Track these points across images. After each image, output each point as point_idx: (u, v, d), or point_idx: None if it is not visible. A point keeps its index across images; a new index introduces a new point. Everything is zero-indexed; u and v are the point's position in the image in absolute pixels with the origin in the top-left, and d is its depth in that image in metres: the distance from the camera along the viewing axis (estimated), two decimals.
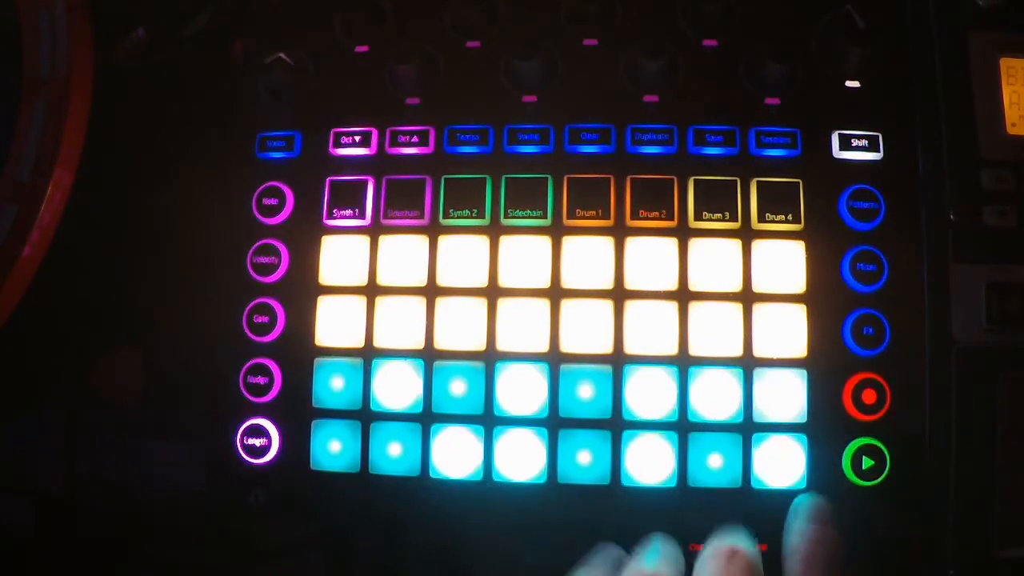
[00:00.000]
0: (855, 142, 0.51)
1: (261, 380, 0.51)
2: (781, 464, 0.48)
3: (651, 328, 0.50)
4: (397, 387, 0.51)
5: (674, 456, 0.49)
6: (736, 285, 0.50)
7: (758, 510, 0.48)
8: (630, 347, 0.50)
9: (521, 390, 0.50)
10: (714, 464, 0.48)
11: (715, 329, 0.49)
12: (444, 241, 0.52)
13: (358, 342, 0.51)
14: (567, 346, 0.50)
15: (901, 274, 0.49)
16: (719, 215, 0.50)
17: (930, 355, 0.48)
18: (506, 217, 0.51)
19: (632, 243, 0.51)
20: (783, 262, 0.50)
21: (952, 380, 0.48)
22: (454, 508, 0.50)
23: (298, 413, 0.51)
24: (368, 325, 0.51)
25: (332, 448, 0.51)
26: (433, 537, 0.52)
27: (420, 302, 0.51)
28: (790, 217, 0.50)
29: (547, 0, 0.54)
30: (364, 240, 0.52)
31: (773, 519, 0.48)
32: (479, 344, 0.50)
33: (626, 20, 0.54)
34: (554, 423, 0.49)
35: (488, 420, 0.50)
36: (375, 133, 0.54)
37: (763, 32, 0.52)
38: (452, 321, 0.51)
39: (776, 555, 0.44)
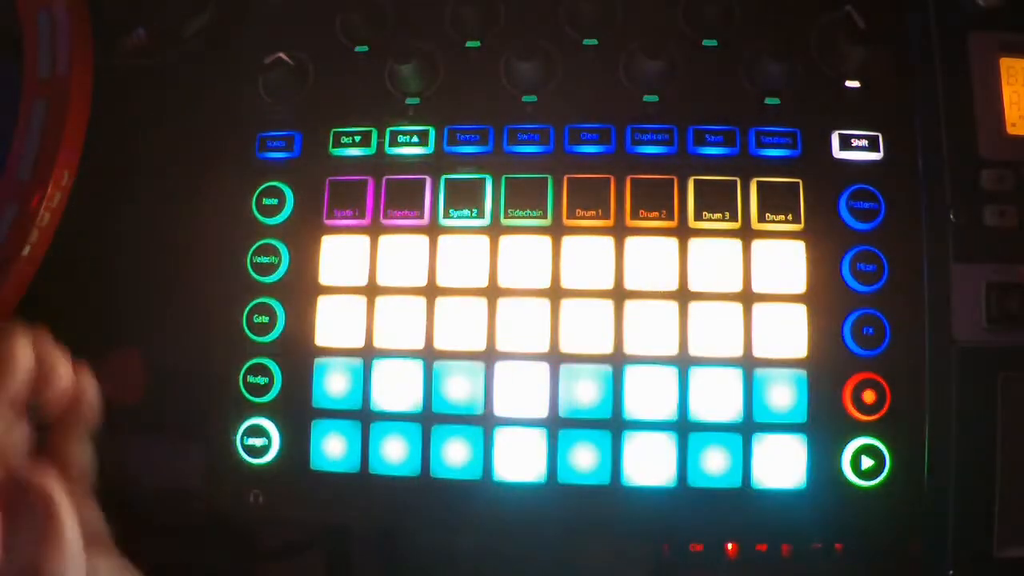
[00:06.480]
0: (855, 142, 0.51)
1: (261, 380, 0.51)
2: (781, 464, 0.48)
3: (651, 328, 0.50)
4: (397, 387, 0.51)
5: (674, 456, 0.49)
6: (736, 285, 0.50)
7: (758, 510, 0.48)
8: (630, 347, 0.50)
9: (521, 390, 0.50)
10: (714, 464, 0.48)
11: (715, 329, 0.49)
12: (444, 241, 0.52)
13: (358, 342, 0.51)
14: (567, 346, 0.50)
15: (901, 274, 0.49)
16: (719, 215, 0.50)
17: (930, 355, 0.48)
18: (506, 217, 0.51)
19: (632, 243, 0.51)
20: (783, 262, 0.50)
21: (952, 380, 0.48)
22: (454, 508, 0.50)
23: (298, 413, 0.51)
24: (368, 325, 0.51)
25: (332, 448, 0.51)
26: (433, 537, 0.52)
27: (420, 302, 0.51)
28: (790, 217, 0.50)
29: (547, 0, 0.54)
30: (364, 240, 0.52)
31: (773, 519, 0.48)
32: (479, 344, 0.50)
33: (626, 20, 0.54)
34: (554, 423, 0.49)
35: (488, 420, 0.50)
36: (375, 133, 0.54)
37: (763, 32, 0.52)
38: (452, 321, 0.51)
39: (775, 555, 0.44)
